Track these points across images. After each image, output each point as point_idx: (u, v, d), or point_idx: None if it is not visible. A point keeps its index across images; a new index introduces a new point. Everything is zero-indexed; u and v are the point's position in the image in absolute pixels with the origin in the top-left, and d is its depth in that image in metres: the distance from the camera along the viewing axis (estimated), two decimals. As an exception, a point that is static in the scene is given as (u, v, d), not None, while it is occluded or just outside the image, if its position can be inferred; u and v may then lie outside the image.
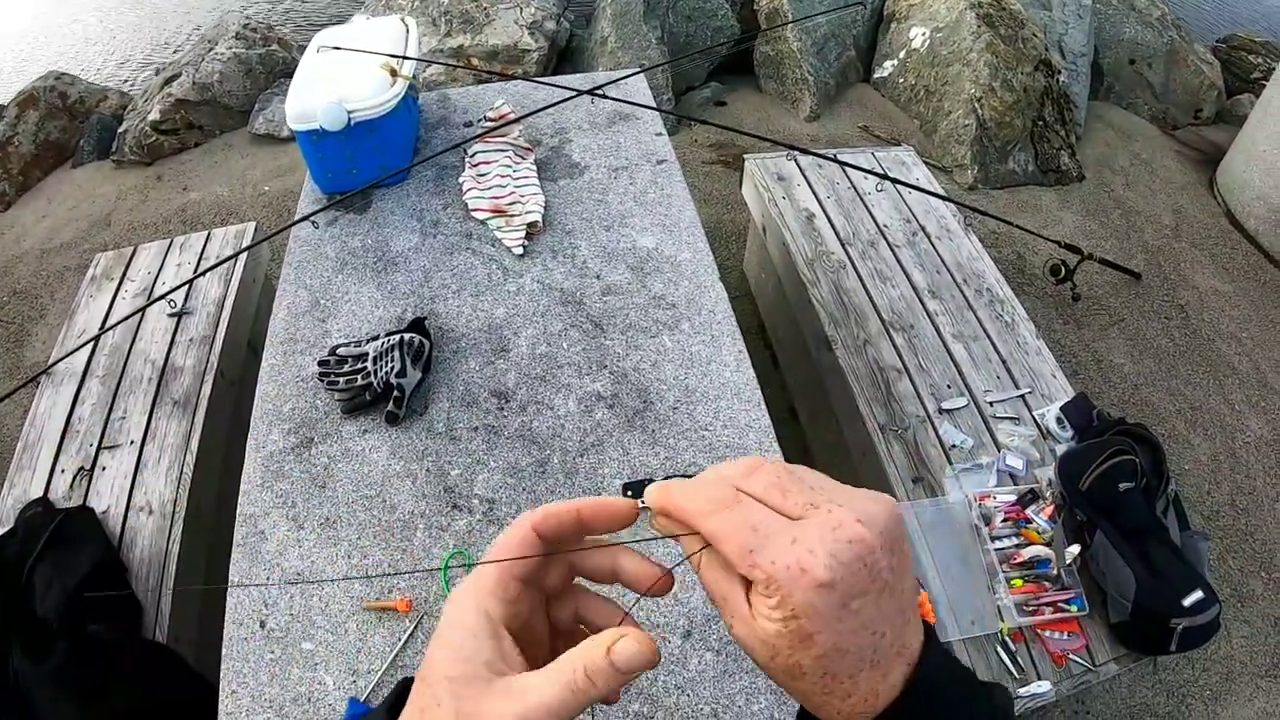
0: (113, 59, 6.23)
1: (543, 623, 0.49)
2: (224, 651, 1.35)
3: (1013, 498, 1.99)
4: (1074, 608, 1.82)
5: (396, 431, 1.68)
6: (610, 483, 1.57)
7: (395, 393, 1.68)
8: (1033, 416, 2.20)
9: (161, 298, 2.37)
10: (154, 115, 4.39)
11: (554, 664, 0.41)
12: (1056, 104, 4.31)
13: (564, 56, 4.60)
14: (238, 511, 1.55)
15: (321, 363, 1.74)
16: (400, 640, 1.37)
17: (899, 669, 0.42)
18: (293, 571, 1.46)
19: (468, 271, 2.01)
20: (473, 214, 2.14)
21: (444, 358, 1.81)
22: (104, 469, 2.12)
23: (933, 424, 2.16)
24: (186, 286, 2.52)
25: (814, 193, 2.83)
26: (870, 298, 2.48)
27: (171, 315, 2.49)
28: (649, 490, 0.47)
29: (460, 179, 2.24)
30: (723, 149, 4.32)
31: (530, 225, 2.08)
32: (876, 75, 4.86)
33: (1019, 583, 1.84)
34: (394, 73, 2.14)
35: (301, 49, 2.32)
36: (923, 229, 2.73)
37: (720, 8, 4.67)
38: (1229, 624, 2.59)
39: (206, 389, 2.30)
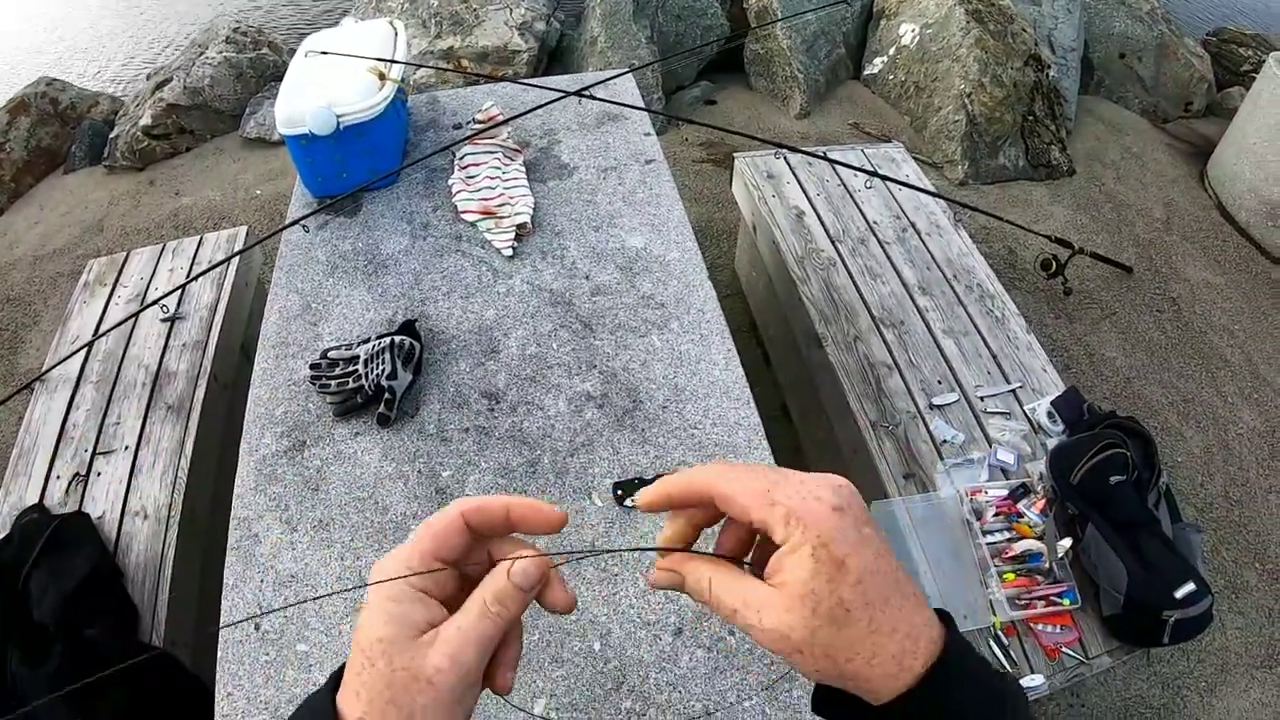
0: (103, 64, 6.22)
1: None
2: (219, 654, 1.36)
3: (1004, 492, 2.00)
4: (1066, 601, 1.83)
5: (388, 434, 1.68)
6: (600, 482, 1.58)
7: (386, 395, 1.69)
8: (1024, 411, 2.21)
9: (154, 303, 2.37)
10: (145, 120, 4.39)
11: (466, 603, 0.46)
12: (1046, 99, 4.31)
13: (554, 57, 4.60)
14: (231, 515, 1.55)
15: (313, 366, 1.74)
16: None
17: (926, 611, 0.46)
18: (286, 574, 1.46)
19: (458, 273, 2.02)
20: (462, 216, 2.15)
21: (434, 360, 1.82)
22: (99, 474, 2.13)
23: (924, 420, 2.17)
24: (179, 291, 2.53)
25: (804, 190, 2.84)
26: (860, 294, 2.49)
27: (164, 320, 2.49)
28: (642, 492, 0.52)
29: (450, 181, 2.24)
30: (713, 147, 4.32)
31: (520, 227, 2.09)
32: (866, 72, 4.87)
33: (1011, 577, 1.85)
34: (382, 76, 2.14)
35: (292, 52, 2.32)
36: (913, 225, 2.74)
37: (710, 6, 4.68)
38: (1223, 615, 2.61)
39: (200, 393, 2.30)
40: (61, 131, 4.68)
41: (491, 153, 2.27)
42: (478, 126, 2.38)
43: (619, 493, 1.55)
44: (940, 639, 0.46)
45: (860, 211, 2.78)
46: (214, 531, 2.10)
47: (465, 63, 4.24)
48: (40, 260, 3.90)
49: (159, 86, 4.58)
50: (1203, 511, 2.89)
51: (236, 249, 2.66)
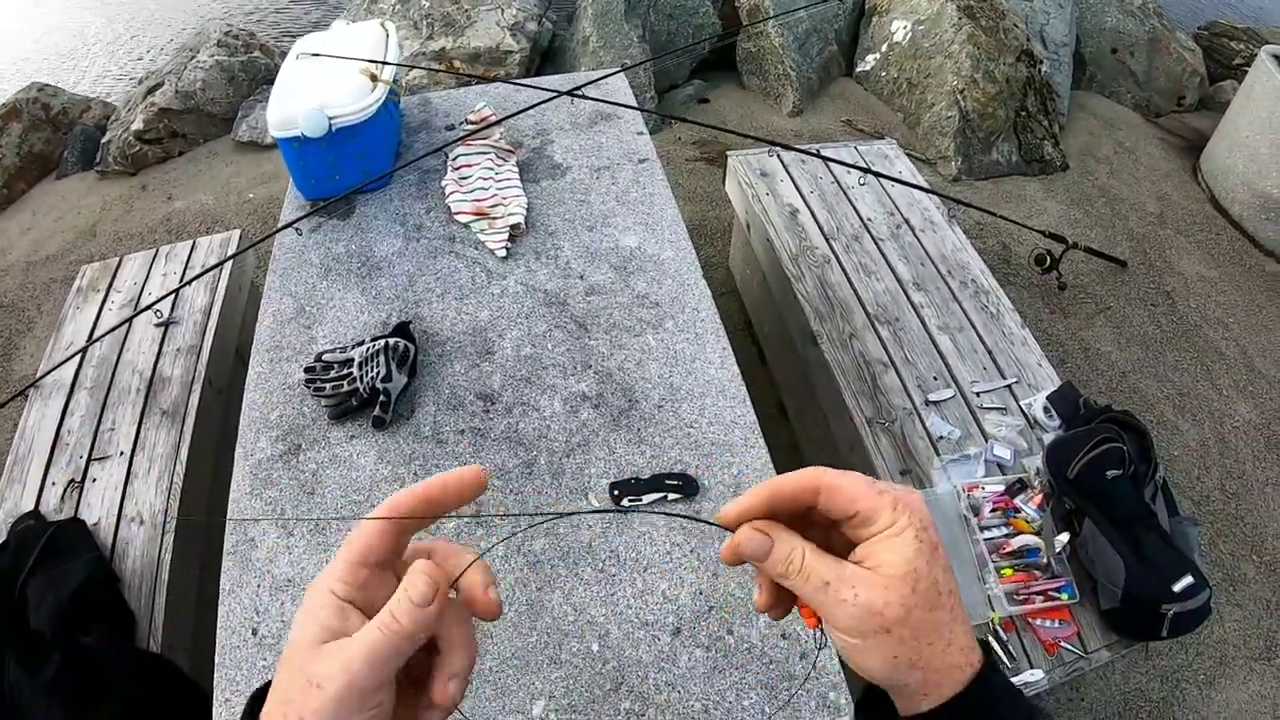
0: (91, 72, 6.20)
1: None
2: (217, 659, 1.36)
3: (1001, 487, 2.00)
4: (1064, 595, 1.83)
5: (383, 436, 1.68)
6: (597, 482, 1.58)
7: (381, 398, 1.68)
8: (1019, 406, 2.21)
9: (148, 308, 2.37)
10: (137, 125, 4.38)
11: (377, 615, 0.45)
12: (1039, 94, 4.32)
13: (546, 57, 4.59)
14: (228, 519, 1.55)
15: (308, 369, 1.74)
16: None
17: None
18: (283, 578, 1.46)
19: (451, 275, 2.02)
20: (456, 217, 2.15)
21: (429, 361, 1.82)
22: (94, 480, 2.12)
23: (920, 416, 2.17)
24: (173, 296, 2.52)
25: (797, 188, 2.84)
26: (855, 291, 2.49)
27: (158, 325, 2.48)
28: (734, 503, 0.52)
29: (443, 182, 2.24)
30: (706, 146, 4.32)
31: (513, 227, 2.09)
32: (859, 69, 4.88)
33: (1009, 572, 1.85)
34: (374, 78, 2.14)
35: (284, 55, 2.31)
36: (906, 222, 2.74)
37: (701, 5, 4.68)
38: (1221, 608, 2.61)
39: (195, 398, 2.29)
40: (53, 137, 4.66)
41: (484, 153, 2.27)
42: (470, 127, 2.37)
43: (615, 493, 1.55)
44: (979, 647, 0.49)
45: (854, 208, 2.78)
46: (210, 536, 2.10)
47: (457, 64, 4.23)
48: (33, 266, 3.88)
49: (151, 91, 4.57)
50: (1199, 505, 2.89)
51: (230, 253, 2.65)
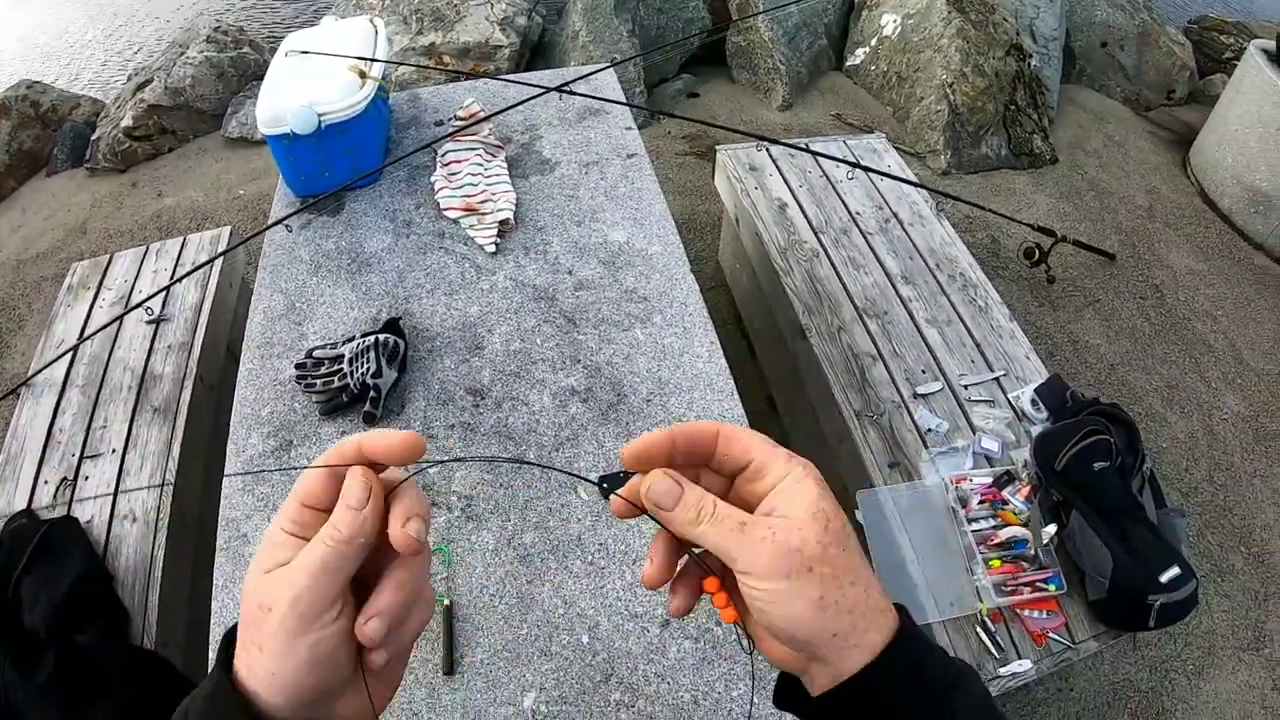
0: (77, 71, 6.17)
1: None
2: (211, 656, 1.36)
3: (989, 480, 2.01)
4: (1052, 587, 1.84)
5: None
6: (586, 476, 1.59)
7: (372, 393, 1.69)
8: (1007, 399, 2.22)
9: (139, 305, 2.36)
10: (127, 121, 4.36)
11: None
12: (1028, 88, 4.33)
13: (536, 52, 4.59)
14: (220, 516, 1.55)
15: (298, 366, 1.74)
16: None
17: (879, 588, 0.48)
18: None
19: (441, 270, 2.02)
20: (445, 213, 2.15)
21: (419, 357, 1.82)
22: (87, 478, 2.12)
23: (908, 409, 2.18)
24: (163, 293, 2.52)
25: (786, 182, 2.84)
26: (844, 285, 2.50)
27: (149, 322, 2.48)
28: (634, 444, 0.52)
29: (432, 178, 2.24)
30: (695, 141, 4.33)
31: (502, 223, 2.09)
32: (848, 63, 4.89)
33: (997, 563, 1.86)
34: (363, 74, 2.14)
35: (274, 51, 2.31)
36: (895, 216, 2.75)
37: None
38: (1209, 599, 2.63)
39: (186, 395, 2.29)
40: (43, 134, 4.64)
41: (473, 149, 2.27)
42: (459, 123, 2.38)
43: (604, 486, 1.56)
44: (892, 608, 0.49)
45: (843, 202, 2.78)
46: (203, 533, 2.10)
47: (447, 59, 4.23)
48: (23, 264, 3.88)
49: (140, 87, 4.55)
50: (1187, 496, 2.91)
51: (220, 249, 2.65)
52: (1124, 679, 2.46)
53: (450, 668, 1.34)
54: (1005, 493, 1.98)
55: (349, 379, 1.69)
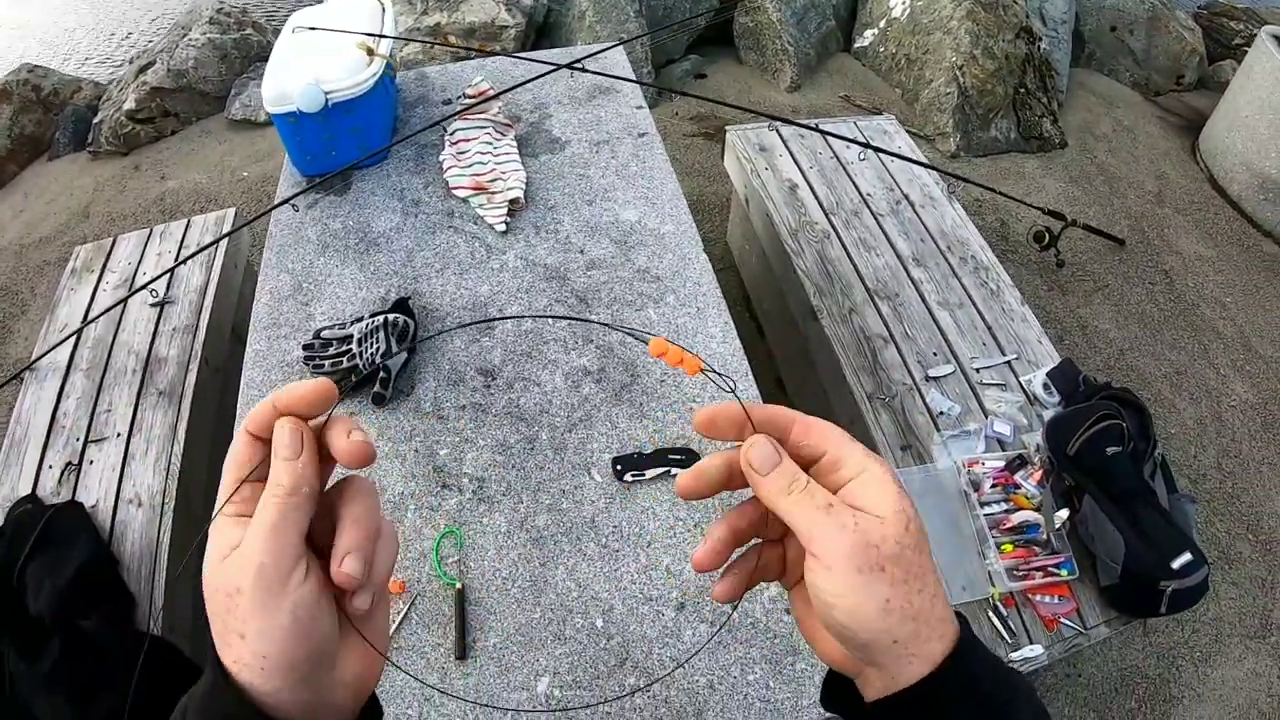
0: (72, 58, 6.12)
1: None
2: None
3: (1001, 463, 2.00)
4: (1064, 572, 1.83)
5: (384, 413, 1.67)
6: (599, 457, 1.57)
7: (381, 374, 1.67)
8: (1019, 382, 2.21)
9: (142, 288, 2.34)
10: (129, 104, 4.33)
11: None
12: (1038, 71, 4.30)
13: (542, 32, 4.55)
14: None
15: (306, 346, 1.73)
16: (395, 622, 1.37)
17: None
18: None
19: (450, 250, 2.00)
20: (454, 192, 2.13)
21: (429, 337, 1.80)
22: (91, 463, 2.11)
23: (920, 391, 2.17)
24: (168, 275, 2.50)
25: (796, 163, 2.82)
26: (855, 267, 2.48)
27: (153, 305, 2.46)
28: (753, 445, 0.49)
29: (440, 157, 2.22)
30: (704, 121, 4.30)
31: (512, 202, 2.07)
32: (857, 44, 4.85)
33: (1009, 548, 1.85)
34: (370, 52, 2.11)
35: (277, 32, 2.28)
36: (906, 197, 2.72)
37: (699, -21, 4.65)
38: (1217, 586, 2.62)
39: (191, 378, 2.28)
40: (45, 118, 4.61)
41: (482, 128, 2.25)
42: (468, 102, 2.35)
43: (619, 468, 1.55)
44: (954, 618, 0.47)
45: (854, 184, 2.76)
46: (209, 517, 2.09)
47: (452, 39, 4.19)
48: (26, 249, 3.85)
49: (142, 70, 4.52)
50: (1196, 483, 2.90)
51: (225, 231, 2.63)
52: (1132, 665, 2.45)
53: (462, 652, 1.33)
54: (1018, 477, 1.97)
55: (358, 360, 1.67)
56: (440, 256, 1.98)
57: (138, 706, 1.65)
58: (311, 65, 2.07)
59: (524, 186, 2.11)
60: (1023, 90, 4.23)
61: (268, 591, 0.42)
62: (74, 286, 2.60)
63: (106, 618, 1.76)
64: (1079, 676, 2.41)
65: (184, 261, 2.47)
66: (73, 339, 2.38)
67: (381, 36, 2.18)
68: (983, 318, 2.35)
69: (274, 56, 2.16)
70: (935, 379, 2.20)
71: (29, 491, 2.05)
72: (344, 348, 1.69)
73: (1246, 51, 4.10)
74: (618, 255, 1.96)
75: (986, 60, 4.10)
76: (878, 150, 2.72)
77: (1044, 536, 1.87)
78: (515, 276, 1.92)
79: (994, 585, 1.81)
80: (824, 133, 2.80)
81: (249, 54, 4.64)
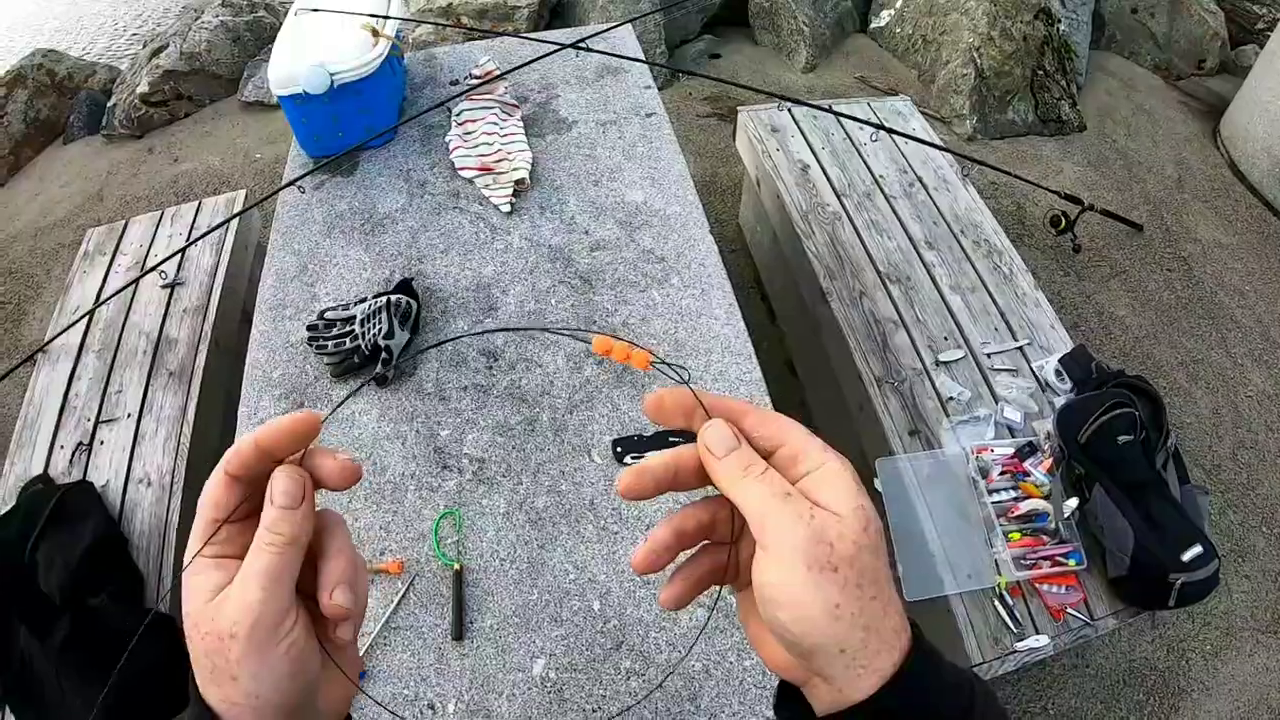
0: (87, 45, 6.15)
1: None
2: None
3: (1010, 450, 1.97)
4: (1072, 562, 1.81)
5: (385, 393, 1.67)
6: (600, 439, 1.57)
7: (383, 354, 1.67)
8: (1031, 369, 2.18)
9: (153, 269, 2.36)
10: (143, 88, 4.35)
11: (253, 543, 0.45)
12: (1057, 53, 4.23)
13: (555, 12, 4.51)
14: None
15: (310, 327, 1.73)
16: (393, 602, 1.37)
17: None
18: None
19: (455, 231, 1.99)
20: (460, 173, 2.12)
21: (432, 318, 1.80)
22: (102, 443, 2.13)
23: (930, 376, 2.15)
24: (178, 257, 2.51)
25: (809, 144, 2.79)
26: (866, 249, 2.45)
27: (164, 287, 2.48)
28: (711, 426, 0.47)
29: (447, 138, 2.21)
30: (717, 101, 4.27)
31: (518, 182, 2.06)
32: (873, 25, 4.79)
33: (1017, 536, 1.83)
34: (376, 33, 2.10)
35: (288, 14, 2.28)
36: (919, 180, 2.69)
37: (714, -41, 4.59)
38: (1229, 579, 2.58)
39: (201, 359, 2.29)
40: (59, 103, 4.64)
41: (489, 108, 2.23)
42: (474, 82, 2.33)
43: (619, 450, 1.54)
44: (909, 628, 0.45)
45: (866, 165, 2.73)
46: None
47: (465, 20, 4.17)
48: (41, 232, 3.88)
49: (155, 53, 4.53)
50: (1210, 474, 2.86)
51: (235, 212, 2.64)
52: (1141, 657, 2.42)
53: (459, 633, 1.33)
54: (1027, 464, 1.94)
55: (360, 340, 1.67)
56: (445, 237, 1.98)
57: (148, 683, 1.67)
58: (317, 46, 2.06)
59: (530, 167, 2.10)
60: (1041, 72, 4.17)
61: (265, 636, 0.42)
62: (86, 269, 2.62)
63: (116, 596, 1.78)
64: (1086, 667, 2.39)
65: (194, 243, 2.48)
66: (85, 321, 2.40)
67: (386, 18, 2.17)
68: (995, 302, 2.33)
69: (280, 38, 2.16)
70: (945, 364, 2.18)
71: (41, 471, 2.07)
72: (347, 329, 1.69)
73: (1270, 36, 4.01)
74: (622, 236, 1.95)
75: (1004, 41, 4.04)
76: (891, 132, 2.68)
77: (1052, 525, 1.85)
78: (519, 257, 1.92)
79: (1001, 574, 1.79)
80: (837, 114, 2.76)
81: (261, 36, 4.65)
